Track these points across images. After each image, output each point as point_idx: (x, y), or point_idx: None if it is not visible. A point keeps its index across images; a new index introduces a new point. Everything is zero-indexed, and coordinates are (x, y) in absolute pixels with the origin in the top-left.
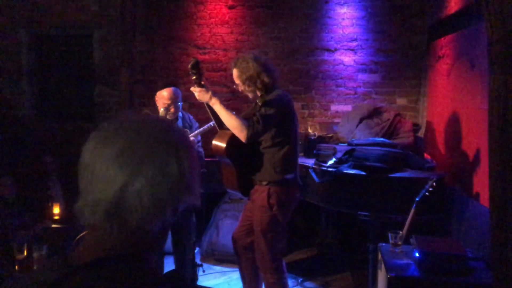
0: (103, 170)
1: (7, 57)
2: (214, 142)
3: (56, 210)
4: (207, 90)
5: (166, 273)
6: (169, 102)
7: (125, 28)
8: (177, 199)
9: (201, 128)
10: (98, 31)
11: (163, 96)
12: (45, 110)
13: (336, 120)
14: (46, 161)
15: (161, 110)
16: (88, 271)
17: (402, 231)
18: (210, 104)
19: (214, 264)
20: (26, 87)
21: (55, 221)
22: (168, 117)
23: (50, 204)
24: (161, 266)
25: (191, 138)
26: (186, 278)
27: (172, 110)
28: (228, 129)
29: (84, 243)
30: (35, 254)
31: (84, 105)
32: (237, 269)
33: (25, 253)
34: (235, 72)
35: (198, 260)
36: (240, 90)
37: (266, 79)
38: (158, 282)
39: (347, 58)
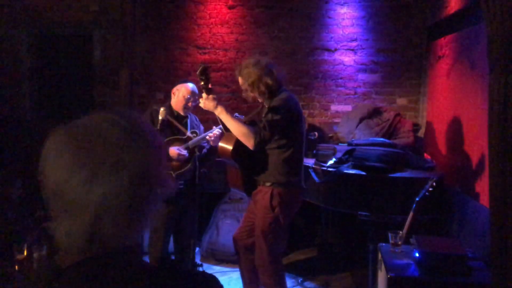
0: (72, 195)
1: (7, 57)
2: (221, 144)
3: None
4: (214, 98)
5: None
6: (190, 94)
7: (125, 28)
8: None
9: (204, 134)
10: (98, 31)
11: (184, 90)
12: (45, 110)
13: (336, 120)
14: None
15: (161, 110)
16: (75, 271)
17: (402, 231)
18: (216, 113)
19: (214, 264)
20: (26, 87)
21: None
22: (183, 112)
23: None
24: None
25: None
26: (180, 265)
27: (190, 104)
28: None
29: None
30: (35, 254)
31: (84, 105)
32: (237, 269)
33: (25, 253)
34: (240, 80)
35: (198, 260)
36: (250, 99)
37: (269, 82)
38: (150, 272)
39: (347, 58)
